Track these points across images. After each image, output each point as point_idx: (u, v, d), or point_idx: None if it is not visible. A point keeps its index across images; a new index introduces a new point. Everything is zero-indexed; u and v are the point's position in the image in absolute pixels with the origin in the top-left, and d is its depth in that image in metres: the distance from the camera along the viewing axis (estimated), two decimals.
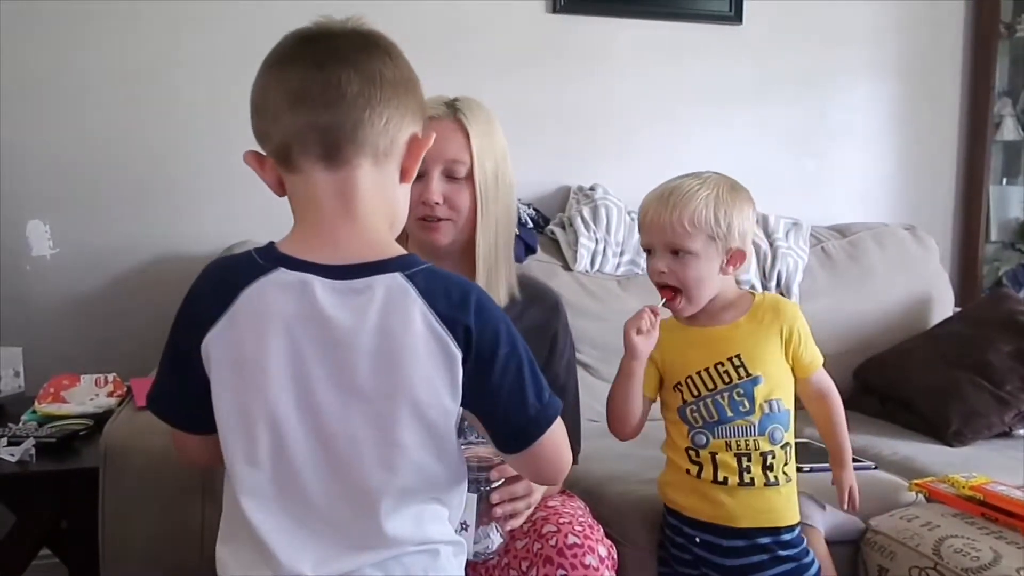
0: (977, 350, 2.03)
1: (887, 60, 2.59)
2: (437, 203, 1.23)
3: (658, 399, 1.37)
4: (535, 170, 2.27)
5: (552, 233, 2.18)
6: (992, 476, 1.53)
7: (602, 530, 1.21)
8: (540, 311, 1.35)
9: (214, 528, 1.25)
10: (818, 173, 2.55)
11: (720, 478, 1.29)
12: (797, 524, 1.32)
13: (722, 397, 1.29)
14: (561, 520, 1.16)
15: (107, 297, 2.01)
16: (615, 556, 1.18)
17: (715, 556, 1.30)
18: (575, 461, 1.40)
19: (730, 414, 1.28)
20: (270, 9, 2.02)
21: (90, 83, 1.98)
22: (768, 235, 2.25)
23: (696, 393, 1.30)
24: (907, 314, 2.29)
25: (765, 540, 1.29)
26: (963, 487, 1.49)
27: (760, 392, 1.28)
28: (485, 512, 1.09)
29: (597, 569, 1.11)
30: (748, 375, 1.28)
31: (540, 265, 2.05)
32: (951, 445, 1.88)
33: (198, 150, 2.05)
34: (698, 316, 1.33)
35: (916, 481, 1.59)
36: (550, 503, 1.22)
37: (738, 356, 1.29)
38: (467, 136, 1.24)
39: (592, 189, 2.22)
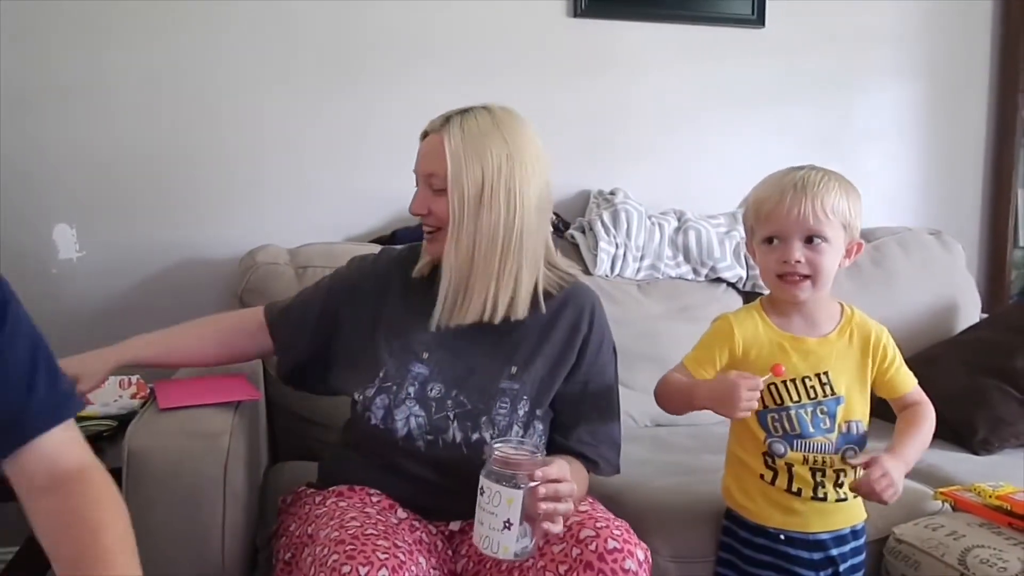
0: (1004, 357, 2.00)
1: (913, 62, 2.56)
2: (423, 215, 1.30)
3: None
4: (555, 174, 2.23)
5: (572, 238, 2.17)
6: (1019, 485, 1.51)
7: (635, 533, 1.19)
8: (569, 314, 1.35)
9: (235, 528, 1.26)
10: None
11: (794, 489, 1.30)
12: (866, 519, 1.36)
13: (805, 412, 1.28)
14: (598, 525, 1.14)
15: (132, 300, 2.03)
16: (650, 559, 1.16)
17: (802, 551, 1.30)
18: (617, 471, 1.38)
19: (811, 429, 1.28)
20: (299, 14, 2.03)
21: (118, 87, 2.00)
22: None
23: (779, 401, 1.29)
24: (932, 320, 2.26)
25: (845, 531, 1.33)
26: (990, 496, 1.47)
27: (841, 412, 1.29)
28: (527, 511, 1.07)
29: (636, 574, 1.10)
30: (833, 393, 1.28)
31: None
32: (977, 453, 1.86)
33: (224, 154, 2.07)
34: (791, 318, 1.32)
35: (942, 489, 1.57)
36: (582, 508, 1.21)
37: (826, 373, 1.29)
38: (445, 149, 1.25)
39: (612, 193, 2.22)
